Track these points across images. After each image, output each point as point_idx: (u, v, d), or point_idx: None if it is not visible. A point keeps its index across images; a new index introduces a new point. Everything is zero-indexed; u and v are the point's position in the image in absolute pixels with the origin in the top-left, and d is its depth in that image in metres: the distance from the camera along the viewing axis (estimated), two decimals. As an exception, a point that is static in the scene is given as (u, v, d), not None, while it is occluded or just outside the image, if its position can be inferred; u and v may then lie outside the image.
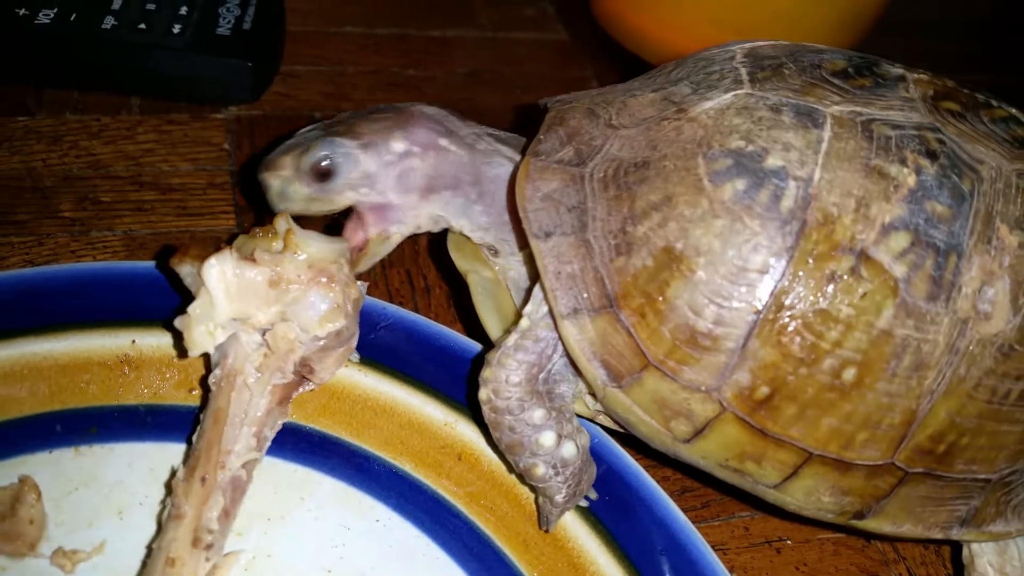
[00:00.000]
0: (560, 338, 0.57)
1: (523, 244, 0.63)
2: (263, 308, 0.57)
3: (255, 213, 0.83)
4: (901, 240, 0.53)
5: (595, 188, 0.57)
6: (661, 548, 0.60)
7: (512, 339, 0.59)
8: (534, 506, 0.62)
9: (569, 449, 0.58)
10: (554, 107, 0.64)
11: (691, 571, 0.59)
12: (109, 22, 0.87)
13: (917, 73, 0.59)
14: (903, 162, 0.54)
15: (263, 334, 0.58)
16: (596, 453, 0.62)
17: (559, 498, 0.59)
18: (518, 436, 0.58)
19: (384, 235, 0.65)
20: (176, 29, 0.89)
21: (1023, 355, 0.55)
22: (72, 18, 0.87)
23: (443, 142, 0.64)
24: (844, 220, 0.53)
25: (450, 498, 0.63)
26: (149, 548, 0.56)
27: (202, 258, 0.56)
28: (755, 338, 0.54)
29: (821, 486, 0.58)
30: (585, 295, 0.56)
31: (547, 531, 0.61)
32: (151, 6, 0.90)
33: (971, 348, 0.54)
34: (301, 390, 0.62)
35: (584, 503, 0.62)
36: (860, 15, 1.05)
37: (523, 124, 0.87)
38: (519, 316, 0.60)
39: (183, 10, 0.91)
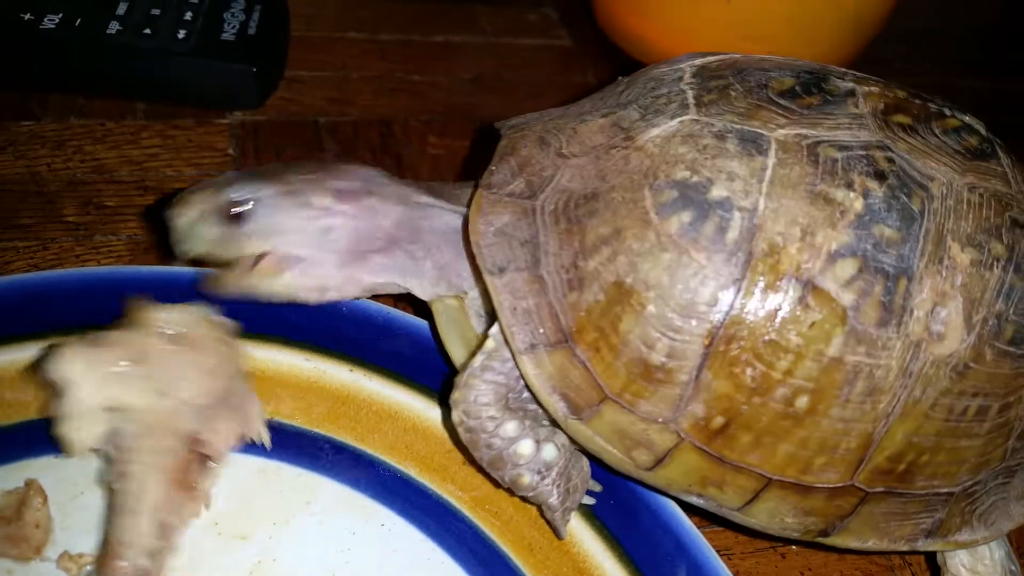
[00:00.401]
0: (519, 376, 0.57)
1: (479, 277, 0.61)
2: (132, 391, 0.55)
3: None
4: (848, 267, 0.52)
5: (546, 221, 0.57)
6: (667, 552, 0.60)
7: (479, 360, 0.58)
8: (536, 511, 0.62)
9: (549, 451, 0.58)
10: (507, 134, 0.63)
11: (695, 570, 0.59)
12: (114, 27, 0.88)
13: (868, 85, 0.59)
14: (849, 186, 0.53)
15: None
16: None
17: (554, 501, 0.59)
18: (496, 451, 0.58)
19: (278, 268, 0.62)
20: (181, 34, 0.89)
21: (979, 372, 0.55)
22: (77, 23, 0.87)
23: (370, 201, 0.62)
24: (790, 250, 0.52)
25: (455, 502, 0.63)
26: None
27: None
28: (707, 370, 0.54)
29: (783, 508, 0.58)
30: (541, 330, 0.56)
31: (561, 538, 0.61)
32: (156, 11, 0.90)
33: (925, 370, 0.54)
34: (205, 472, 0.59)
35: (590, 500, 0.62)
36: (864, 22, 1.05)
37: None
38: (483, 340, 0.60)
39: (188, 15, 0.91)
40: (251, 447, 0.62)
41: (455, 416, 0.58)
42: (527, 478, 0.58)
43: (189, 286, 0.66)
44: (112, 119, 0.90)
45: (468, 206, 0.60)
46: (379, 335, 0.68)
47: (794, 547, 0.70)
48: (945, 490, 0.59)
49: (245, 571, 0.58)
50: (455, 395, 0.58)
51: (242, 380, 0.60)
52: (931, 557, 0.71)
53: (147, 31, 0.88)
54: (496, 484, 0.61)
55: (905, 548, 0.61)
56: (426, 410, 0.66)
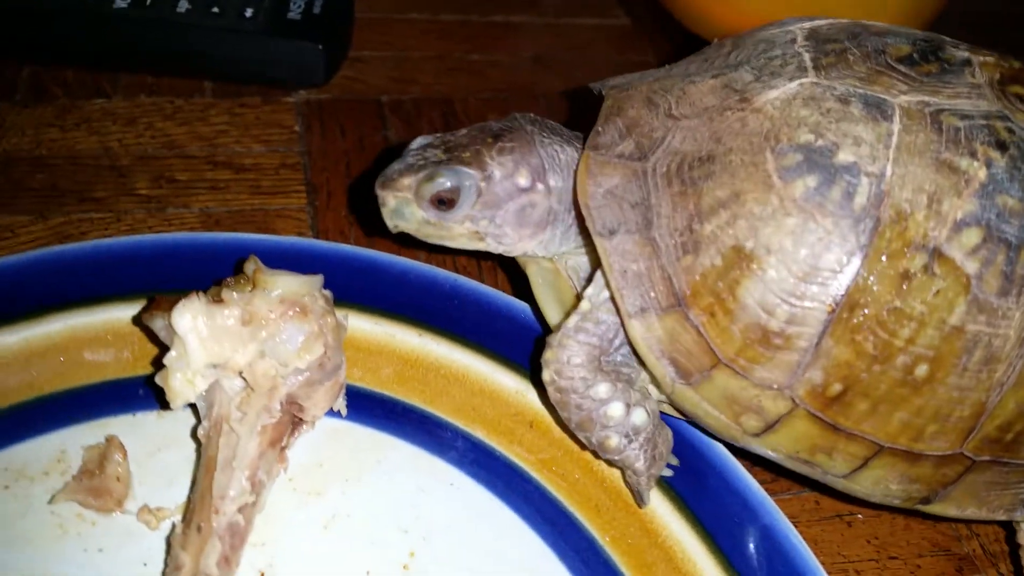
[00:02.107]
0: (626, 335, 0.57)
1: (586, 237, 0.62)
2: (240, 349, 0.57)
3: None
4: (973, 236, 0.52)
5: (658, 184, 0.56)
6: (734, 514, 0.60)
7: (573, 321, 0.59)
8: (604, 473, 0.63)
9: (640, 415, 0.58)
10: (610, 94, 0.62)
11: (766, 537, 0.59)
12: (183, 6, 0.89)
13: (983, 56, 0.58)
14: (973, 155, 0.53)
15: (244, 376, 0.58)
16: (666, 421, 0.62)
17: (640, 465, 0.59)
18: (586, 412, 0.58)
19: (477, 238, 0.63)
20: (248, 13, 0.90)
21: None
22: (148, 3, 0.89)
23: (553, 177, 0.62)
24: (917, 217, 0.52)
25: (522, 464, 0.64)
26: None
27: (172, 308, 0.56)
28: (829, 337, 0.53)
29: (890, 475, 0.58)
30: (652, 294, 0.55)
31: (642, 505, 0.61)
32: (223, -9, 0.92)
33: None
34: (297, 435, 0.61)
35: (668, 472, 0.62)
36: (925, 3, 1.04)
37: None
38: (579, 301, 0.60)
39: (255, -5, 0.92)
40: (324, 408, 0.64)
41: (546, 375, 0.58)
42: (615, 440, 0.58)
43: (218, 253, 0.68)
44: (181, 97, 0.91)
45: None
46: (447, 300, 0.69)
47: (860, 516, 0.70)
48: None
49: (320, 526, 0.59)
50: (547, 354, 0.59)
51: (341, 352, 0.61)
52: (1003, 524, 0.71)
53: (215, 10, 0.90)
54: (583, 446, 0.61)
55: (1002, 517, 0.61)
56: (493, 374, 0.67)
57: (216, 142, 0.87)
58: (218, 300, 0.56)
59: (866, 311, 0.53)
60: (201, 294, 0.56)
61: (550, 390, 0.59)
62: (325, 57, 0.93)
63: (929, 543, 0.70)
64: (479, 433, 0.65)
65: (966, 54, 0.58)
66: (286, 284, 0.58)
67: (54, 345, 0.62)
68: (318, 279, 0.59)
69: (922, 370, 0.54)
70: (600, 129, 0.60)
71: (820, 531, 0.68)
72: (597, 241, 0.56)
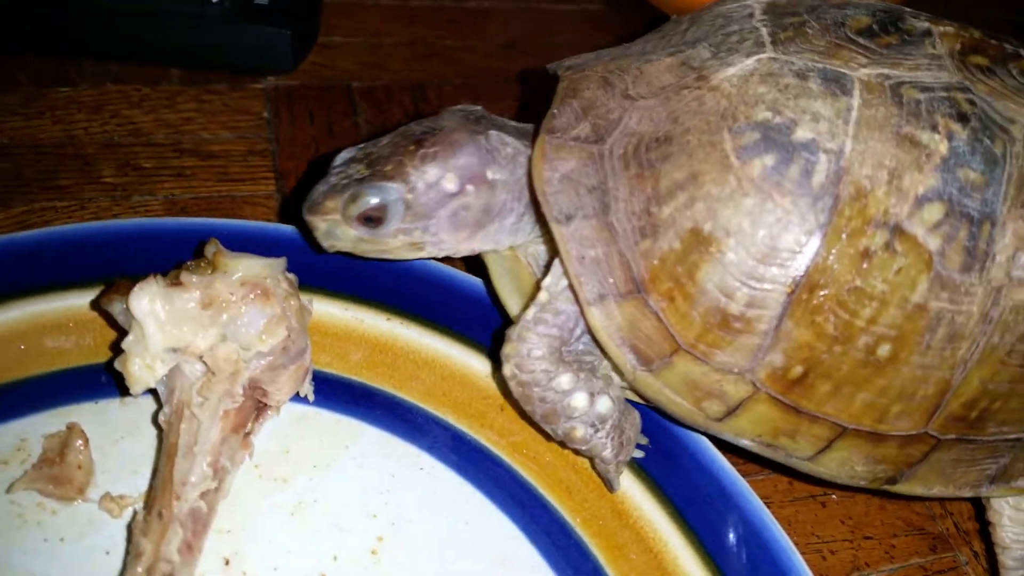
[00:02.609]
0: (586, 323, 0.56)
1: (542, 223, 0.61)
2: (200, 333, 0.56)
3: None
4: (935, 212, 0.51)
5: (615, 167, 0.55)
6: (707, 495, 0.60)
7: (531, 312, 0.57)
8: (575, 455, 0.62)
9: (604, 404, 0.57)
10: (565, 76, 0.61)
11: (740, 517, 0.59)
12: (148, -8, 0.88)
13: (943, 26, 0.57)
14: (934, 128, 0.52)
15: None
16: (638, 404, 0.62)
17: (607, 453, 0.58)
18: (550, 405, 0.57)
19: (414, 250, 0.63)
20: (214, -1, 0.89)
21: None
22: (112, -12, 0.88)
23: (490, 173, 0.61)
24: (877, 193, 0.51)
25: (493, 447, 0.63)
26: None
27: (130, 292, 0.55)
28: (788, 319, 0.52)
29: (854, 457, 0.57)
30: (611, 280, 0.54)
31: (613, 491, 0.60)
32: (190, -24, 0.91)
33: (1005, 316, 0.53)
34: (262, 421, 0.60)
35: (639, 453, 0.61)
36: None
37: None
38: (538, 290, 0.59)
39: (221, -20, 0.91)
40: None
41: (507, 370, 0.57)
42: (581, 431, 0.57)
43: (182, 238, 0.67)
44: (148, 84, 0.90)
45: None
46: (416, 284, 0.68)
47: (834, 496, 0.70)
48: (1013, 436, 0.59)
49: (286, 513, 0.58)
50: (506, 348, 0.57)
51: (306, 335, 0.60)
52: (974, 502, 0.70)
53: (181, -5, 0.89)
54: (548, 437, 0.60)
55: (969, 495, 0.61)
56: (463, 357, 0.66)
57: (183, 129, 0.86)
58: (177, 283, 0.55)
59: (826, 291, 0.52)
60: (160, 277, 0.55)
61: (512, 384, 0.57)
62: (293, 43, 0.92)
63: (903, 522, 0.70)
64: (449, 417, 0.64)
65: (926, 25, 0.57)
66: (247, 267, 0.57)
67: (14, 332, 0.61)
68: (281, 262, 0.58)
69: (885, 350, 0.53)
70: (555, 112, 0.58)
71: (794, 511, 0.68)
72: (554, 227, 0.55)
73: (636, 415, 0.60)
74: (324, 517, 0.58)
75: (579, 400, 0.57)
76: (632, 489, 0.61)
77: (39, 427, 0.59)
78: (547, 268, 0.60)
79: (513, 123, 0.65)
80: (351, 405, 0.64)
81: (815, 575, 0.57)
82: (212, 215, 0.79)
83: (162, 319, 0.55)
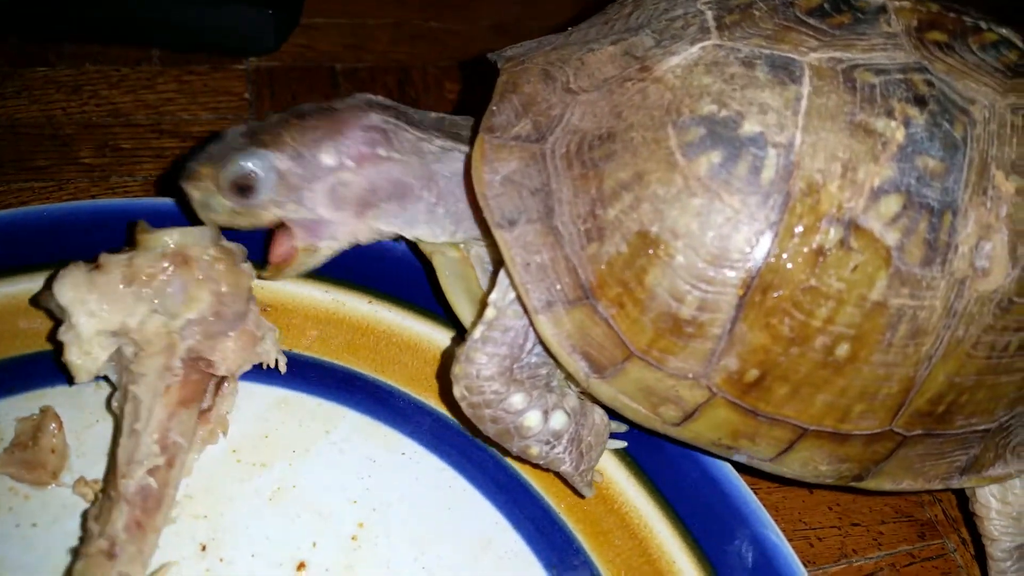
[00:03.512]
0: (535, 332, 0.54)
1: (486, 229, 0.56)
2: (129, 312, 0.54)
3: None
4: (892, 204, 0.49)
5: (558, 167, 0.52)
6: (694, 483, 0.59)
7: (479, 331, 0.55)
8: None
9: (559, 419, 0.55)
10: (505, 69, 0.58)
11: (724, 504, 0.58)
12: (128, -29, 0.87)
13: (899, 1, 0.54)
14: (890, 114, 0.49)
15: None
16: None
17: (567, 467, 0.56)
18: (502, 425, 0.55)
19: (313, 248, 0.60)
20: (195, -23, 0.88)
21: (1022, 306, 0.52)
22: (91, -33, 0.86)
23: (382, 151, 0.59)
24: (830, 188, 0.49)
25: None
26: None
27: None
28: (742, 322, 0.50)
29: (818, 456, 0.55)
30: (558, 286, 0.52)
31: (585, 497, 0.59)
32: (169, -45, 0.89)
33: (969, 308, 0.51)
34: (222, 394, 0.59)
35: (619, 444, 0.60)
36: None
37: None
38: (484, 304, 0.56)
39: (201, -41, 0.90)
40: (269, 376, 0.62)
41: (456, 391, 0.55)
42: (536, 449, 0.55)
43: (159, 217, 0.63)
44: (128, 65, 0.89)
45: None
46: (399, 266, 0.67)
47: (822, 482, 0.69)
48: (983, 427, 0.57)
49: (264, 498, 0.57)
50: (455, 369, 0.55)
51: (248, 302, 0.58)
52: (958, 493, 0.70)
53: (161, -26, 0.87)
54: (506, 453, 0.58)
55: (939, 487, 0.59)
56: (446, 342, 0.65)
57: (163, 110, 0.85)
58: (97, 266, 0.54)
59: (780, 292, 0.49)
60: (82, 263, 0.54)
61: (463, 406, 0.55)
62: (274, 23, 0.91)
63: (892, 509, 0.69)
64: (432, 402, 0.63)
65: (881, 0, 0.54)
66: (167, 239, 0.56)
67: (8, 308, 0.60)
68: (206, 229, 0.57)
69: (843, 350, 0.51)
70: (495, 109, 0.55)
71: (781, 498, 0.67)
72: (496, 234, 0.52)
73: (598, 415, 0.58)
74: (303, 503, 0.57)
75: (532, 419, 0.55)
76: (617, 475, 0.60)
77: (12, 410, 0.57)
78: (493, 278, 0.57)
79: (435, 114, 0.63)
80: (332, 389, 0.63)
81: (803, 562, 0.57)
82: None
83: (90, 304, 0.54)
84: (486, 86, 0.58)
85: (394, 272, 0.67)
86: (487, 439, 0.57)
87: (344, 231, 0.60)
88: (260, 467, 0.58)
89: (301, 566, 0.55)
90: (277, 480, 0.58)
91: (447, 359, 0.57)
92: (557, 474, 0.59)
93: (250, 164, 0.57)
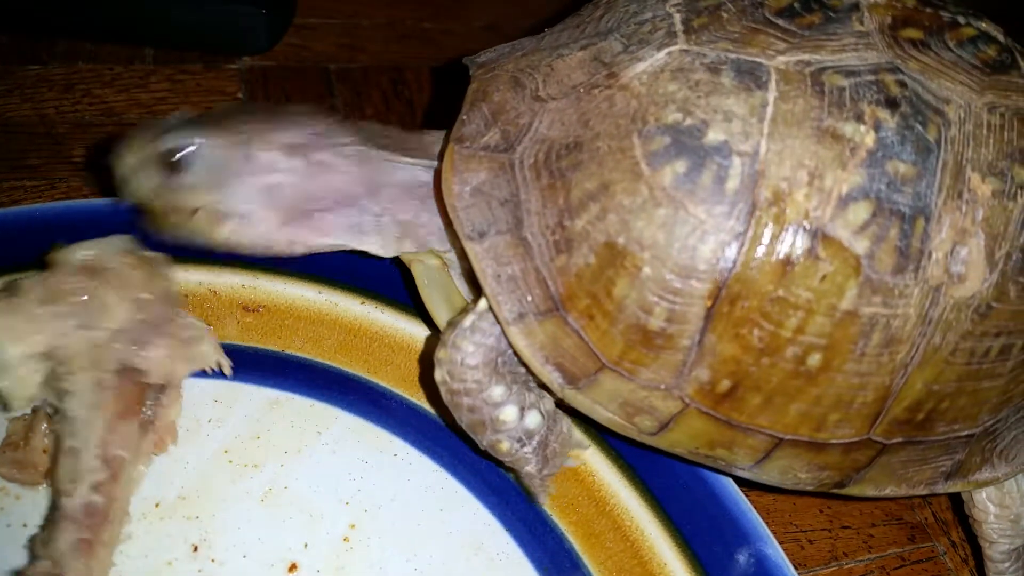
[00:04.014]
0: (509, 343, 0.53)
1: (456, 239, 0.56)
2: (53, 331, 0.54)
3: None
4: (861, 211, 0.48)
5: (527, 177, 0.52)
6: (686, 485, 0.60)
7: (469, 320, 0.54)
8: (515, 476, 0.61)
9: (533, 419, 0.55)
10: (476, 76, 0.57)
11: (714, 503, 0.58)
12: (121, -31, 0.87)
13: None
14: (859, 118, 0.48)
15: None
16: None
17: (531, 468, 0.56)
18: (478, 416, 0.55)
19: (213, 222, 0.57)
20: (189, -23, 0.88)
21: (1002, 311, 0.52)
22: (84, -35, 0.86)
23: (322, 156, 0.57)
24: (796, 196, 0.48)
25: (468, 435, 0.62)
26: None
27: None
28: (711, 333, 0.50)
29: (796, 465, 0.55)
30: (529, 298, 0.51)
31: (539, 504, 0.59)
32: (164, -46, 0.89)
33: (946, 315, 0.50)
34: (165, 403, 0.58)
35: (574, 462, 0.60)
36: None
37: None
38: (476, 300, 0.55)
39: (195, -42, 0.90)
40: (261, 378, 0.62)
41: (438, 375, 0.55)
42: (506, 445, 0.55)
43: (117, 217, 0.64)
44: (120, 64, 0.89)
45: (440, 159, 0.56)
46: (392, 268, 0.67)
47: (813, 485, 0.69)
48: (966, 432, 0.57)
49: (255, 499, 0.57)
50: (440, 353, 0.55)
51: (173, 305, 0.58)
52: (952, 496, 0.70)
53: (155, -27, 0.87)
54: (474, 447, 0.58)
55: (924, 492, 0.59)
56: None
57: (156, 109, 0.85)
58: (15, 292, 0.54)
59: (747, 303, 0.49)
60: None
61: (442, 391, 0.55)
62: (268, 22, 0.91)
63: (882, 512, 0.69)
64: (424, 403, 0.63)
65: None
66: (80, 253, 0.55)
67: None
68: (120, 239, 0.57)
69: (815, 359, 0.50)
70: (464, 118, 0.55)
71: (772, 500, 0.68)
72: (467, 245, 0.52)
73: (566, 424, 0.58)
74: (295, 504, 0.57)
75: (508, 414, 0.54)
76: (609, 476, 0.60)
77: (1, 411, 0.57)
78: (474, 279, 0.57)
79: (380, 127, 0.62)
80: (324, 390, 0.63)
81: (794, 564, 0.57)
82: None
83: (13, 330, 0.53)
84: (459, 92, 0.57)
85: (387, 274, 0.67)
86: (459, 429, 0.57)
87: (262, 233, 0.58)
88: (252, 468, 0.58)
89: (293, 567, 0.55)
90: (269, 481, 0.58)
91: (429, 355, 0.57)
92: (516, 476, 0.59)
93: (185, 141, 0.55)
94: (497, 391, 0.54)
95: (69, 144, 0.80)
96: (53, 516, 0.51)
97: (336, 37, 1.00)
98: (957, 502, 0.68)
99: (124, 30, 0.90)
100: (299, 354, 0.64)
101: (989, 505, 0.63)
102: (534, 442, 0.56)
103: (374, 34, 1.02)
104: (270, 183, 0.57)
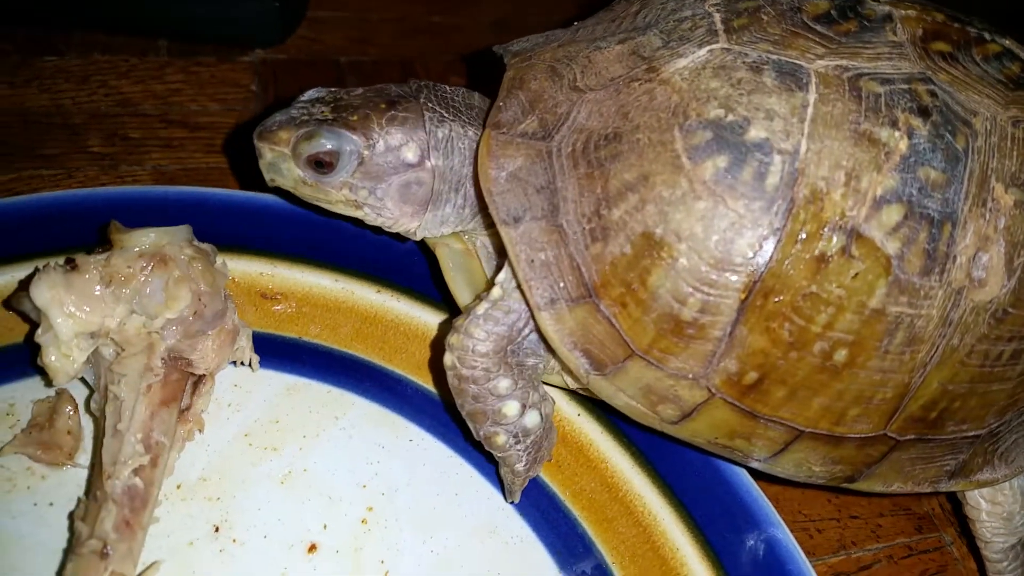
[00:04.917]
0: (536, 327, 0.54)
1: (490, 221, 0.57)
2: (107, 312, 0.55)
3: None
4: (894, 214, 0.49)
5: (564, 165, 0.53)
6: (698, 472, 0.60)
7: (482, 307, 0.55)
8: (565, 429, 0.62)
9: (533, 418, 0.56)
10: (512, 64, 0.58)
11: (725, 489, 0.59)
12: (137, -39, 0.87)
13: (904, 9, 0.54)
14: (894, 124, 0.50)
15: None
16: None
17: (519, 467, 0.57)
18: (481, 405, 0.56)
19: (354, 202, 0.60)
20: (203, -31, 0.89)
21: (1016, 317, 0.53)
22: (100, -42, 0.87)
23: (434, 160, 0.59)
24: (834, 196, 0.49)
25: (483, 421, 0.63)
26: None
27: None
28: (742, 325, 0.51)
29: (811, 458, 0.56)
30: (562, 284, 0.52)
31: (512, 502, 0.59)
32: (178, -53, 0.90)
33: (965, 317, 0.52)
34: (200, 394, 0.59)
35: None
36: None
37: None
38: (491, 286, 0.57)
39: (209, -49, 0.91)
40: (279, 363, 0.63)
41: (447, 359, 0.56)
42: (502, 439, 0.56)
43: (171, 207, 0.66)
44: (135, 55, 0.90)
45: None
46: (407, 256, 0.68)
47: (820, 475, 0.70)
48: (972, 433, 0.58)
49: (276, 481, 0.58)
50: (452, 339, 0.56)
51: (223, 301, 0.59)
52: (950, 496, 0.71)
53: (170, -35, 0.88)
54: (470, 435, 0.58)
55: (928, 490, 0.60)
56: (454, 331, 0.66)
57: (171, 100, 0.86)
58: (74, 267, 0.54)
59: (781, 297, 0.50)
60: (58, 264, 0.54)
61: (449, 375, 0.56)
62: (281, 16, 0.92)
63: (889, 502, 0.70)
64: (438, 390, 0.64)
65: (887, 8, 0.54)
66: (144, 239, 0.56)
67: (2, 297, 0.61)
68: (182, 229, 0.58)
69: (841, 355, 0.51)
70: (502, 105, 0.56)
71: (780, 489, 0.68)
72: (502, 230, 0.53)
73: (555, 435, 0.60)
74: (314, 486, 0.58)
75: (511, 408, 0.55)
76: (622, 463, 0.61)
77: (28, 392, 0.58)
78: (500, 263, 0.58)
79: (463, 92, 0.63)
80: (341, 376, 0.64)
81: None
82: (200, 186, 0.78)
83: (67, 306, 0.54)
84: (493, 81, 0.58)
85: (402, 262, 0.68)
86: (459, 416, 0.57)
87: (389, 219, 0.61)
88: (271, 451, 0.59)
89: (312, 548, 0.56)
90: (288, 464, 0.59)
91: (442, 340, 0.58)
92: (496, 471, 0.60)
93: (335, 144, 0.57)
94: (504, 383, 0.55)
95: (85, 134, 0.81)
96: (95, 497, 0.52)
97: (347, 31, 1.01)
98: (956, 502, 0.69)
99: (139, 22, 0.91)
100: (316, 341, 0.65)
101: (981, 502, 0.64)
102: (528, 441, 0.57)
103: (384, 28, 1.03)
104: (408, 181, 0.59)
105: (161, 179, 0.78)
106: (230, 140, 0.83)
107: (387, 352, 0.65)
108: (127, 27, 0.91)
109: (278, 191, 0.62)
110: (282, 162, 0.58)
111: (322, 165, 0.57)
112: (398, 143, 0.58)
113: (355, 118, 0.57)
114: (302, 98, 0.60)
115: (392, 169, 0.58)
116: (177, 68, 0.89)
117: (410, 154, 0.58)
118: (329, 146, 0.56)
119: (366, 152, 0.57)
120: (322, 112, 0.58)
